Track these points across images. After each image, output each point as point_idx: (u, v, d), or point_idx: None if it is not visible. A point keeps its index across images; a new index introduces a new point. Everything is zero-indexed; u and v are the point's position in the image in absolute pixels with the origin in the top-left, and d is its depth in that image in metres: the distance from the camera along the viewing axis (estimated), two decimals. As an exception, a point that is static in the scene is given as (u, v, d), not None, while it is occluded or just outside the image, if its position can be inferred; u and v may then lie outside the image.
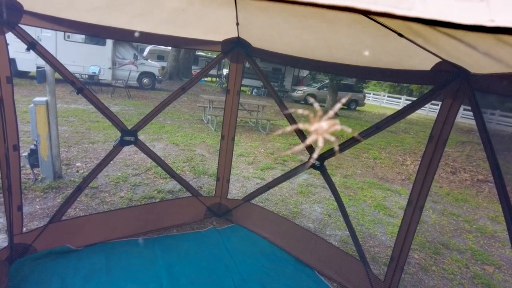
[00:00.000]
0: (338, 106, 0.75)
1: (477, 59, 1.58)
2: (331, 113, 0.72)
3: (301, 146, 0.77)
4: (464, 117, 19.72)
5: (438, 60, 1.93)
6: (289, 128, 0.79)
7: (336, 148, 0.82)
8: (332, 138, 0.73)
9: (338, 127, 0.73)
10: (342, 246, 3.61)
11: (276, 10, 1.94)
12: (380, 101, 28.83)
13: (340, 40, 2.15)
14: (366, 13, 0.38)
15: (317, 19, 1.83)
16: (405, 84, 28.53)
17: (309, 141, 0.72)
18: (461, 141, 12.10)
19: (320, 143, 0.72)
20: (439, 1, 0.37)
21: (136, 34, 2.65)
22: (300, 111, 0.80)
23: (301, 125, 0.78)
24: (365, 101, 21.98)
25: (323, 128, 0.72)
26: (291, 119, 3.22)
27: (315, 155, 0.78)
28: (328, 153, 2.94)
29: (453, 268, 3.62)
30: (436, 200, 5.76)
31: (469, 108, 2.01)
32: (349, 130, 0.76)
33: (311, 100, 0.83)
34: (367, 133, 2.67)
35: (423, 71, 2.11)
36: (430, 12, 0.37)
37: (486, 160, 1.90)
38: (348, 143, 2.86)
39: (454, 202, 5.80)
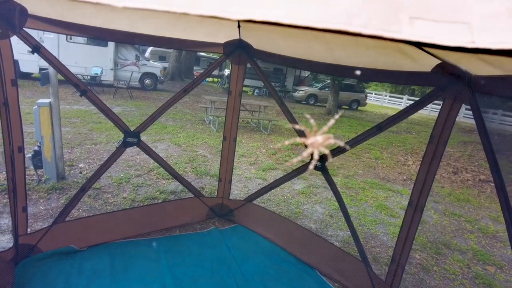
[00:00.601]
0: (332, 122, 0.80)
1: (474, 68, 1.60)
2: (325, 128, 0.76)
3: (299, 158, 0.83)
4: (466, 117, 19.68)
5: (439, 61, 1.95)
6: (287, 142, 0.84)
7: (331, 160, 0.90)
8: (327, 151, 0.78)
9: (332, 141, 0.79)
10: (343, 247, 3.63)
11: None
12: (381, 101, 28.81)
13: (341, 42, 2.17)
14: (358, 35, 0.41)
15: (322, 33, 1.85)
16: (406, 85, 28.46)
17: (306, 154, 0.77)
18: (463, 141, 12.09)
19: (316, 156, 0.77)
20: (425, 24, 0.39)
21: (141, 52, 2.67)
22: (297, 126, 0.86)
23: (298, 139, 0.83)
24: (367, 101, 21.96)
25: (318, 142, 0.77)
26: (298, 131, 3.25)
27: (311, 167, 0.84)
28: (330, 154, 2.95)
29: (455, 268, 3.63)
30: (437, 200, 5.76)
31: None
32: (341, 143, 0.81)
33: (307, 116, 0.89)
34: (368, 134, 2.69)
35: (424, 72, 2.12)
36: (416, 35, 0.40)
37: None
38: (340, 149, 2.89)
39: (456, 202, 5.80)
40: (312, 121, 0.83)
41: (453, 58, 1.23)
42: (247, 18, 0.42)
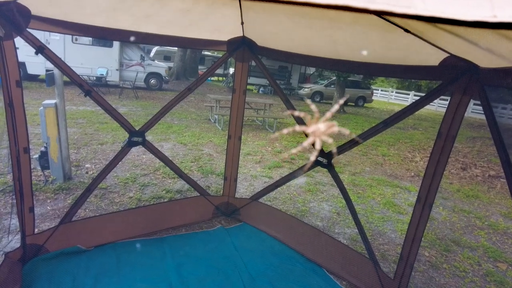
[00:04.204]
0: (336, 107, 0.74)
1: (487, 53, 1.55)
2: (328, 114, 0.71)
3: (299, 148, 0.76)
4: (475, 112, 19.39)
5: (446, 55, 1.90)
6: (286, 130, 0.78)
7: (334, 150, 0.82)
8: (330, 140, 0.72)
9: (336, 128, 0.72)
10: (351, 244, 3.59)
11: (279, 9, 1.93)
12: (388, 97, 28.52)
13: (346, 37, 2.13)
14: (364, 11, 0.38)
15: (321, 18, 1.82)
16: (413, 80, 28.17)
17: (306, 143, 0.72)
18: (472, 137, 11.91)
19: (318, 146, 0.71)
20: (439, -3, 0.36)
21: (140, 45, 2.66)
22: (296, 113, 0.79)
23: (297, 127, 0.77)
24: (373, 98, 21.75)
25: (320, 130, 0.71)
26: (299, 119, 3.21)
27: (312, 158, 0.77)
28: (339, 149, 2.92)
29: (465, 265, 3.57)
30: (446, 197, 5.68)
31: (480, 102, 1.97)
32: (347, 132, 0.75)
33: (308, 101, 0.82)
34: (375, 130, 2.65)
35: (431, 66, 2.08)
36: (430, 10, 0.36)
37: (498, 156, 1.87)
38: (348, 145, 2.85)
39: (465, 199, 5.71)
40: (313, 107, 0.76)
41: (472, 36, 1.16)
42: None
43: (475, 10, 0.35)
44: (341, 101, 0.84)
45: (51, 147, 3.97)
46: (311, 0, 0.38)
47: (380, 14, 0.38)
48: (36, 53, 2.47)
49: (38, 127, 5.98)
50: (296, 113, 0.78)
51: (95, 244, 3.02)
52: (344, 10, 0.39)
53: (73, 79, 2.73)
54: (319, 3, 0.38)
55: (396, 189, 5.74)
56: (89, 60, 12.42)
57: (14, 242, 2.89)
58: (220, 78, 25.79)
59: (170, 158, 4.38)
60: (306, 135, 0.74)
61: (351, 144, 2.89)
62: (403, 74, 2.51)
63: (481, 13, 0.35)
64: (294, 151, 0.79)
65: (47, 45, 2.57)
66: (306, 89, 19.46)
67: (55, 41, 11.63)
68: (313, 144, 0.74)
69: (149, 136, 3.27)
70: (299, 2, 0.39)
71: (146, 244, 3.18)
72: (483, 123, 15.87)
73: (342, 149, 2.90)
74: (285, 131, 0.78)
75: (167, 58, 20.93)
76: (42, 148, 4.07)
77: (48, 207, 3.61)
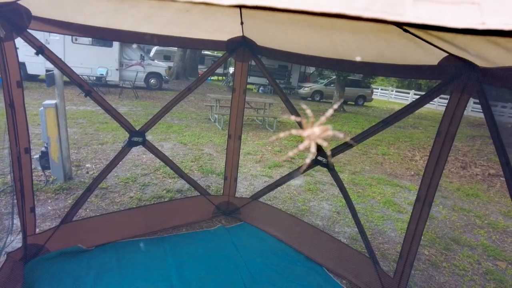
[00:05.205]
0: (330, 111, 0.76)
1: (485, 52, 1.56)
2: (323, 118, 0.73)
3: (295, 151, 0.79)
4: (474, 111, 19.39)
5: (445, 54, 1.91)
6: (282, 134, 0.80)
7: (329, 153, 0.85)
8: (325, 143, 0.74)
9: (330, 132, 0.74)
10: (351, 243, 3.60)
11: (278, 11, 1.93)
12: (388, 96, 28.53)
13: (345, 37, 2.14)
14: (358, 19, 0.39)
15: (321, 19, 1.82)
16: (413, 79, 28.14)
17: (302, 147, 0.74)
18: (471, 135, 11.92)
19: (313, 149, 0.73)
20: (430, 5, 0.37)
21: (136, 45, 2.67)
22: (293, 117, 0.82)
23: (294, 131, 0.79)
24: (373, 97, 21.75)
25: (315, 134, 0.73)
26: (299, 122, 3.22)
27: (308, 160, 0.79)
28: (335, 150, 2.93)
29: (465, 264, 3.58)
30: (446, 196, 5.69)
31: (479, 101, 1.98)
32: (341, 135, 0.77)
33: (304, 106, 0.84)
34: (375, 129, 2.65)
35: (430, 65, 2.09)
36: (422, 17, 0.37)
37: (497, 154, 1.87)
38: (345, 145, 2.86)
39: (465, 197, 5.72)
40: (309, 111, 0.79)
41: (461, 42, 1.17)
42: (238, 3, 0.40)
43: (465, 17, 0.36)
44: (335, 106, 0.86)
45: (52, 147, 3.98)
46: (307, 8, 0.39)
47: (373, 21, 0.40)
48: (37, 53, 2.47)
49: (38, 127, 5.99)
50: (293, 118, 0.80)
51: (96, 244, 3.03)
52: (339, 18, 0.40)
53: (73, 79, 2.73)
54: (315, 11, 0.39)
55: (396, 188, 5.75)
56: (89, 60, 12.42)
57: (15, 242, 2.90)
58: (220, 78, 25.78)
59: (170, 158, 4.39)
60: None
61: (347, 145, 2.90)
62: (403, 74, 2.51)
63: (471, 20, 0.36)
64: (291, 154, 0.81)
65: (47, 45, 2.58)
66: (306, 89, 19.46)
67: (55, 41, 11.63)
68: (309, 147, 0.76)
69: (149, 136, 3.28)
70: (295, 10, 0.40)
71: (147, 244, 3.19)
72: (483, 121, 15.83)
73: (337, 150, 2.91)
74: (281, 134, 0.80)
75: (167, 57, 20.91)
76: (43, 148, 4.08)
77: (49, 207, 3.62)
